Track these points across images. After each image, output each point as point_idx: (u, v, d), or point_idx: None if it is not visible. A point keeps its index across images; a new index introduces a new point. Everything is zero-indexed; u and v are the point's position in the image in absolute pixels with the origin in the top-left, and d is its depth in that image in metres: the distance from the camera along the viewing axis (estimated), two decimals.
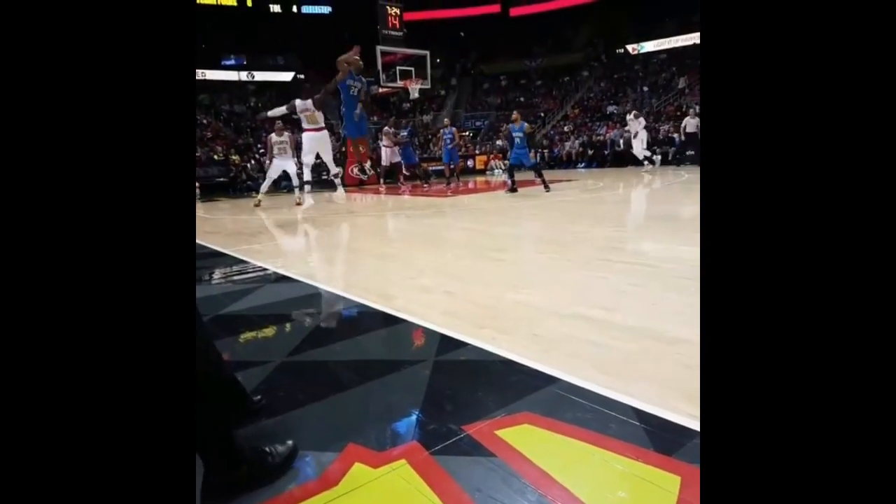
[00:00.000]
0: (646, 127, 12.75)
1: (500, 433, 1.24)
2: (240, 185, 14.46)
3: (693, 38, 22.03)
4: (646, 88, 21.21)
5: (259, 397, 1.46)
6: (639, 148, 12.29)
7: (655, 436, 1.20)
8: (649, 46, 23.90)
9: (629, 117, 12.52)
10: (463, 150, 16.27)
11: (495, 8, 27.95)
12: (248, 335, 2.17)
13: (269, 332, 2.23)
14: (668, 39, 23.19)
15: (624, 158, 15.33)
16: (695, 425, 1.22)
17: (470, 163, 16.87)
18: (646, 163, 12.60)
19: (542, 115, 22.84)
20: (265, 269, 3.46)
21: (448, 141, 11.17)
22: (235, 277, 3.30)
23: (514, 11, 27.92)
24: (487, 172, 16.69)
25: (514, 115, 9.09)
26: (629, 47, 24.46)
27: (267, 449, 1.15)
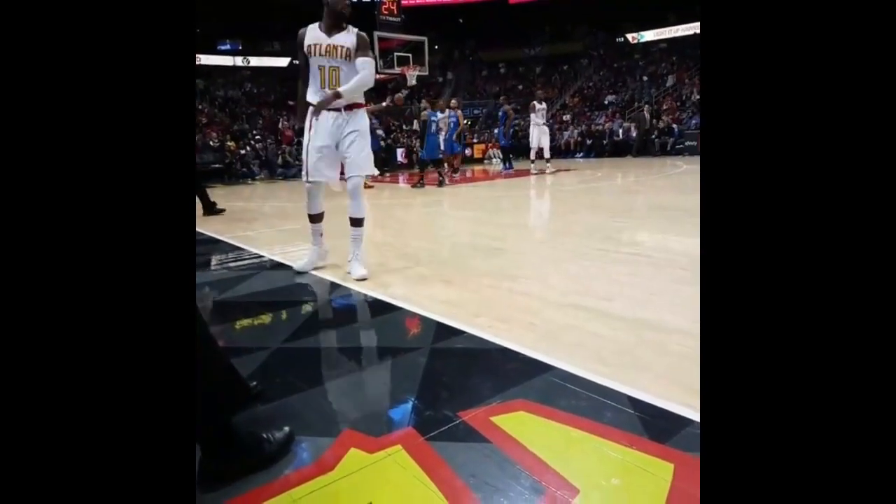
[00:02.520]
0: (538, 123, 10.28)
1: (496, 420, 1.25)
2: (235, 171, 14.35)
3: (693, 28, 21.89)
4: (645, 78, 21.09)
5: (255, 384, 1.46)
6: (547, 143, 10.14)
7: (650, 424, 1.21)
8: (649, 36, 23.71)
9: (540, 105, 10.22)
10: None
11: None
12: (244, 322, 2.17)
13: (265, 318, 2.23)
14: (667, 29, 23.02)
15: (622, 148, 15.31)
16: (689, 414, 1.23)
17: (468, 151, 16.78)
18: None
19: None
20: (261, 256, 3.45)
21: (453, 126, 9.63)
22: (231, 264, 3.29)
23: None
24: (485, 161, 16.63)
25: (441, 101, 8.49)
26: (629, 36, 24.27)
27: (264, 435, 1.16)
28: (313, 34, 2.56)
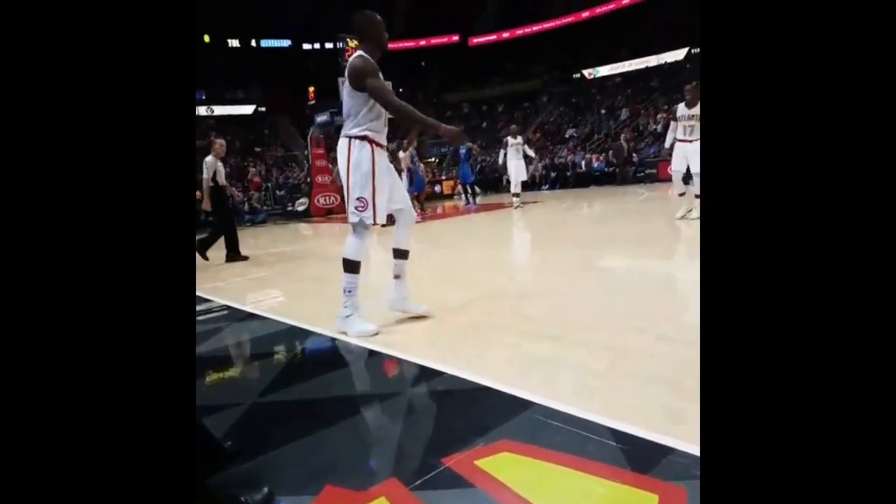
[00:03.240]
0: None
1: (480, 463, 1.24)
2: (200, 220, 14.12)
3: (645, 62, 23.24)
4: (603, 111, 22.01)
5: (230, 443, 1.41)
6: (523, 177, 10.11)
7: (631, 455, 1.21)
8: (604, 71, 24.96)
9: (513, 140, 10.31)
10: (429, 175, 16.38)
11: (454, 38, 28.73)
12: (216, 377, 2.11)
13: (239, 372, 2.17)
14: (621, 63, 24.30)
15: (585, 179, 15.76)
16: (669, 442, 1.25)
17: (437, 188, 17.02)
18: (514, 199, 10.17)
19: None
20: (231, 308, 3.38)
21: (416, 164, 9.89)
22: (200, 318, 3.20)
23: (473, 41, 28.77)
24: (456, 197, 16.85)
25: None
26: (585, 72, 25.46)
27: (242, 498, 1.11)
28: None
